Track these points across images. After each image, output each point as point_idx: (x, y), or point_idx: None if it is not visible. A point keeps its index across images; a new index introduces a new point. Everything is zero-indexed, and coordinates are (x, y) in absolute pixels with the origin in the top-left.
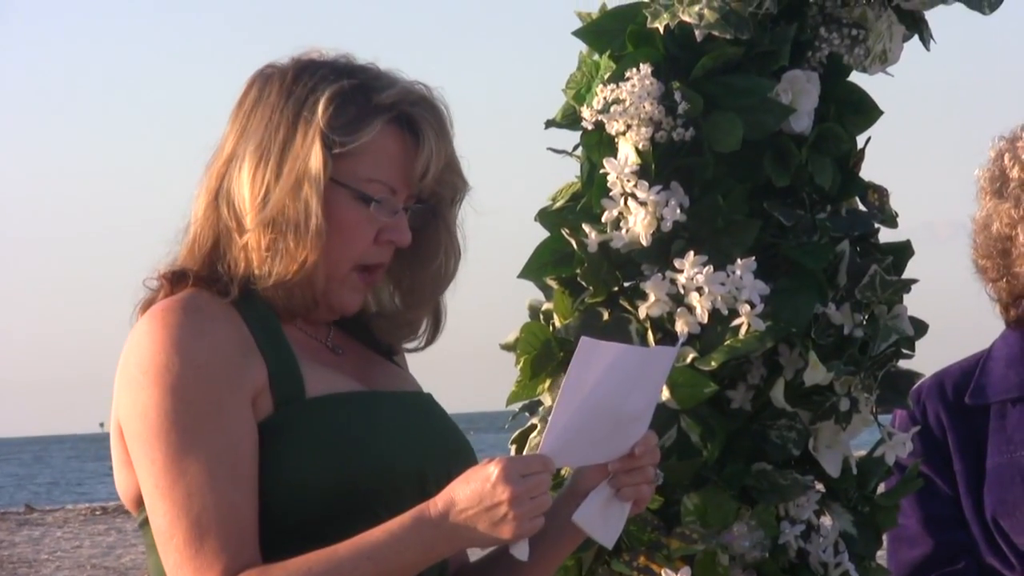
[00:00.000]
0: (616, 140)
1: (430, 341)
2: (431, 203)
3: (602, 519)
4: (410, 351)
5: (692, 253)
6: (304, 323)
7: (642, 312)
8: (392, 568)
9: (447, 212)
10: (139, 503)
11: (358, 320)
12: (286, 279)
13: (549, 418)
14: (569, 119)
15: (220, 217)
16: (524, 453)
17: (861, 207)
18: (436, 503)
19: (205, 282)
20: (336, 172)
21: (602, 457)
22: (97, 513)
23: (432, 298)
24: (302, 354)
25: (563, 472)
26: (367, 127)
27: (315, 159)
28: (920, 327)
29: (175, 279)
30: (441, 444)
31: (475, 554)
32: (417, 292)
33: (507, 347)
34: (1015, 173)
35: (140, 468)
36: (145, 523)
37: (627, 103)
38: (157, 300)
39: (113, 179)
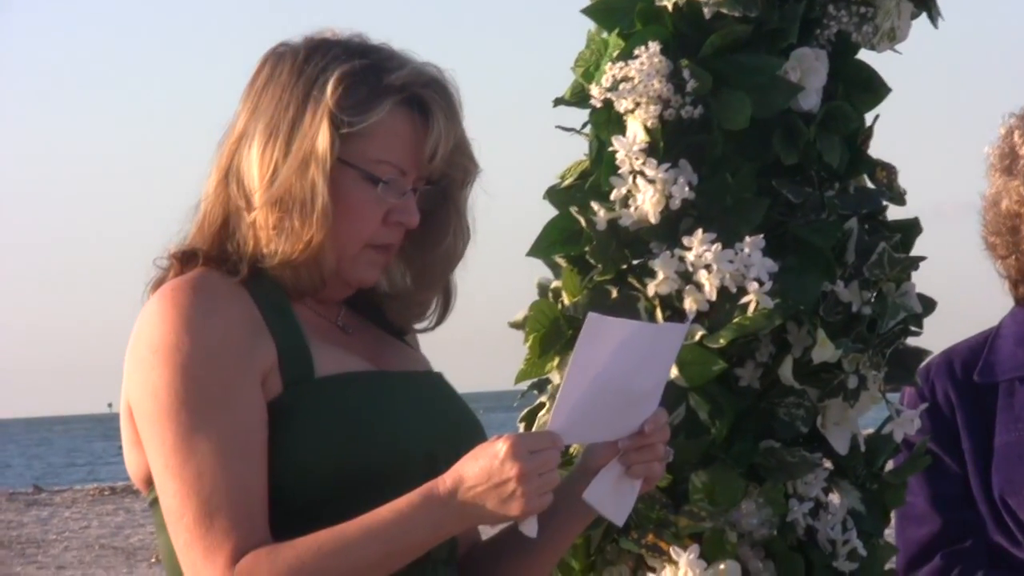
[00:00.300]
0: (625, 118)
1: (440, 321)
2: (441, 185)
3: (613, 497)
4: (420, 331)
5: (701, 231)
6: (314, 302)
7: (651, 290)
8: (401, 546)
9: (457, 194)
10: (149, 483)
11: (369, 300)
12: (292, 258)
13: (557, 395)
14: (578, 97)
15: (230, 195)
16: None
17: (869, 185)
18: (445, 480)
19: (215, 261)
20: (344, 152)
21: (612, 434)
22: (105, 493)
23: (441, 279)
24: (312, 334)
25: (572, 450)
26: (377, 108)
27: (323, 139)
28: (928, 304)
29: (185, 259)
30: (451, 423)
31: (486, 532)
32: (427, 273)
33: (516, 325)
34: (1023, 150)
35: (150, 448)
36: (155, 503)
37: (636, 81)
38: (167, 279)
39: (125, 164)
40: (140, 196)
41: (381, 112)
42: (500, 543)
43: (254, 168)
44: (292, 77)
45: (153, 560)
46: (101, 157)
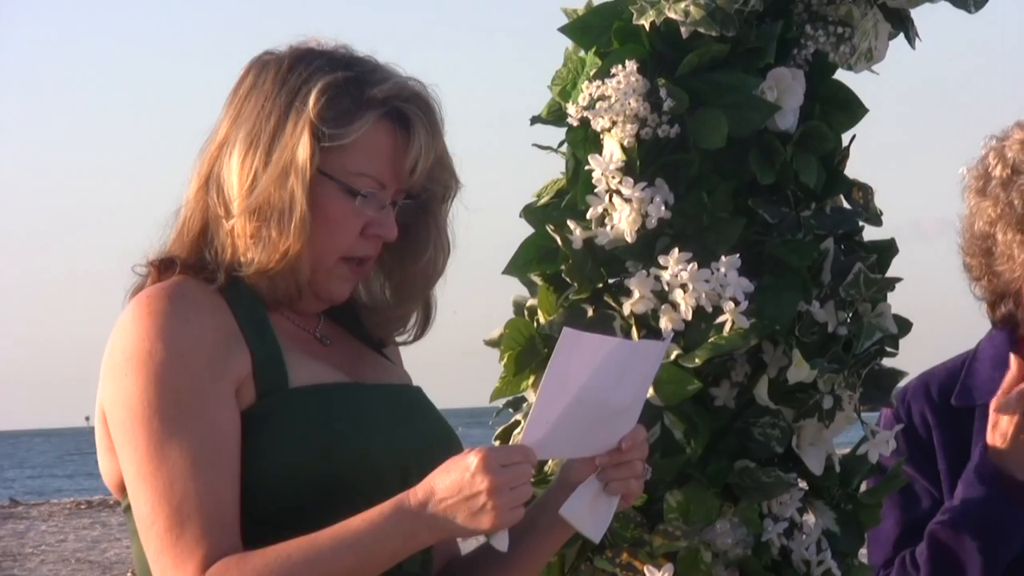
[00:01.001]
0: (601, 136)
1: (420, 335)
2: (421, 199)
3: (590, 513)
4: (400, 344)
5: (677, 250)
6: (292, 313)
7: (626, 309)
8: (372, 556)
9: (437, 209)
10: (123, 488)
11: (350, 312)
12: (268, 268)
13: (531, 409)
14: (555, 115)
15: (209, 202)
16: None
17: (846, 205)
18: (416, 492)
19: (193, 269)
20: (324, 164)
21: (588, 450)
22: (82, 507)
23: (422, 293)
24: (289, 344)
25: (548, 468)
26: (358, 121)
27: (303, 150)
28: (904, 325)
29: (163, 266)
30: (425, 436)
31: (465, 546)
32: (407, 287)
33: (491, 343)
34: (997, 171)
35: (123, 455)
36: (129, 508)
37: (612, 99)
38: (145, 287)
39: (100, 175)
40: (124, 205)
41: (363, 125)
42: (478, 558)
43: (234, 176)
44: (275, 86)
45: (128, 574)
46: (84, 166)
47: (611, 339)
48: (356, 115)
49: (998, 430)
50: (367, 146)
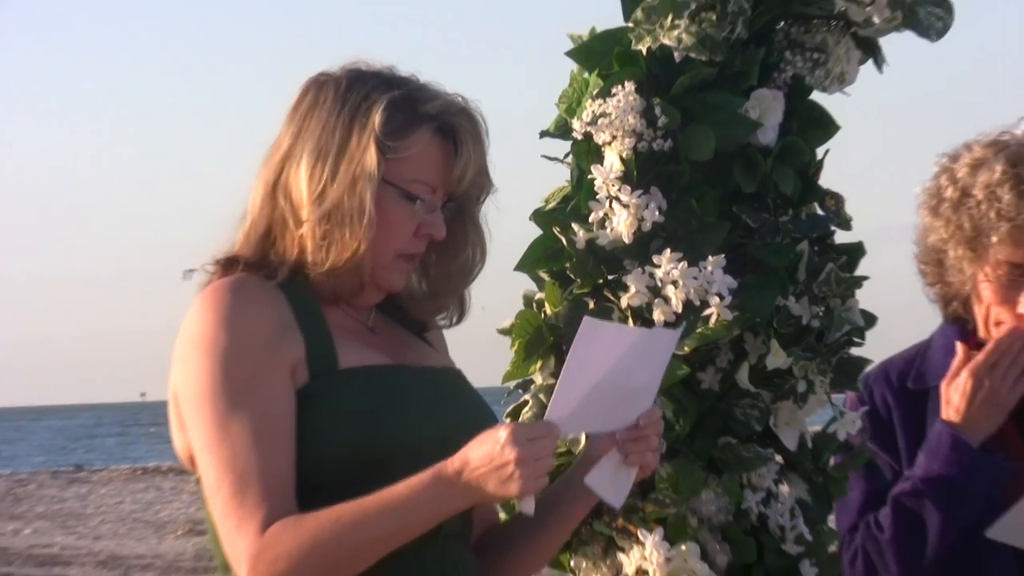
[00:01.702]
0: (603, 149)
1: (457, 322)
2: (460, 201)
3: (611, 482)
4: (441, 327)
5: (669, 250)
6: (348, 307)
7: (624, 302)
8: (412, 519)
9: (473, 209)
10: (194, 461)
11: (394, 303)
12: (339, 266)
13: (555, 389)
14: (561, 130)
15: (276, 208)
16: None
17: (819, 212)
18: (453, 462)
19: (255, 267)
20: (386, 172)
21: (607, 426)
22: (138, 473)
23: (460, 287)
24: (340, 332)
25: (568, 444)
26: (414, 135)
27: (370, 160)
28: (870, 319)
29: (228, 264)
30: (463, 413)
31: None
32: (445, 280)
33: (503, 332)
34: (948, 193)
35: (192, 430)
36: (200, 479)
37: (613, 116)
38: (211, 282)
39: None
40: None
41: (420, 138)
42: (513, 525)
43: (303, 185)
44: (337, 104)
45: (179, 532)
46: (146, 174)
47: (628, 327)
48: (412, 129)
49: (951, 406)
50: (422, 156)
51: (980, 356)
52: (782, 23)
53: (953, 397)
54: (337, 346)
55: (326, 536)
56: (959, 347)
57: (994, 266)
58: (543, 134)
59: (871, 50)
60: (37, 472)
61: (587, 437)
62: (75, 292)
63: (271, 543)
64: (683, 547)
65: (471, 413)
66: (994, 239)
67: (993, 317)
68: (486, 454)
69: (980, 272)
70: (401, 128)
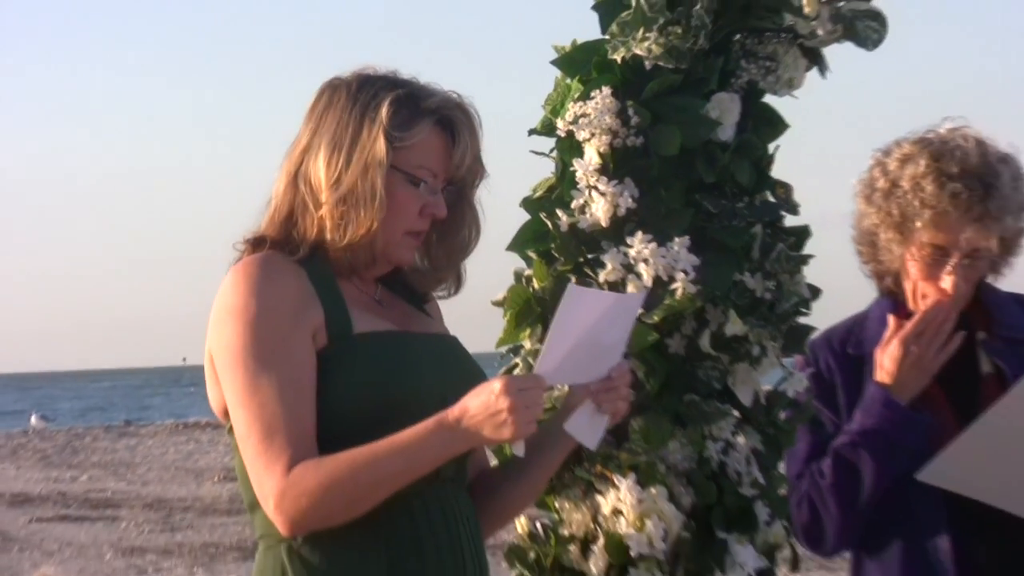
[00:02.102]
0: (583, 145)
1: (455, 293)
2: (458, 185)
3: (588, 427)
4: (439, 298)
5: (641, 233)
6: (359, 280)
7: (601, 278)
8: (417, 460)
9: (469, 192)
10: (227, 414)
11: (399, 279)
12: (355, 242)
13: (543, 346)
14: (547, 128)
15: (297, 193)
16: None
17: (771, 199)
18: (453, 411)
19: (279, 245)
20: (394, 160)
21: (585, 378)
22: (179, 428)
23: (458, 261)
24: (353, 303)
25: (555, 394)
26: (418, 126)
27: (379, 149)
28: (815, 291)
29: (256, 243)
30: (459, 373)
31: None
32: (445, 256)
33: (497, 303)
34: (880, 184)
35: (226, 387)
36: (232, 430)
37: (592, 117)
38: (242, 258)
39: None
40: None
41: (422, 130)
42: (504, 468)
43: (321, 172)
44: (349, 103)
45: (216, 479)
46: (176, 163)
47: (603, 292)
48: (416, 122)
49: (884, 369)
50: (425, 145)
51: (908, 326)
52: (738, 35)
53: (885, 362)
54: (352, 314)
55: (343, 475)
56: (890, 319)
57: (919, 247)
58: (531, 132)
59: (816, 59)
60: (92, 427)
61: (568, 389)
62: (128, 273)
63: (295, 482)
64: (653, 490)
65: (466, 372)
66: (918, 224)
67: (920, 291)
68: (483, 403)
69: (907, 252)
70: (406, 121)
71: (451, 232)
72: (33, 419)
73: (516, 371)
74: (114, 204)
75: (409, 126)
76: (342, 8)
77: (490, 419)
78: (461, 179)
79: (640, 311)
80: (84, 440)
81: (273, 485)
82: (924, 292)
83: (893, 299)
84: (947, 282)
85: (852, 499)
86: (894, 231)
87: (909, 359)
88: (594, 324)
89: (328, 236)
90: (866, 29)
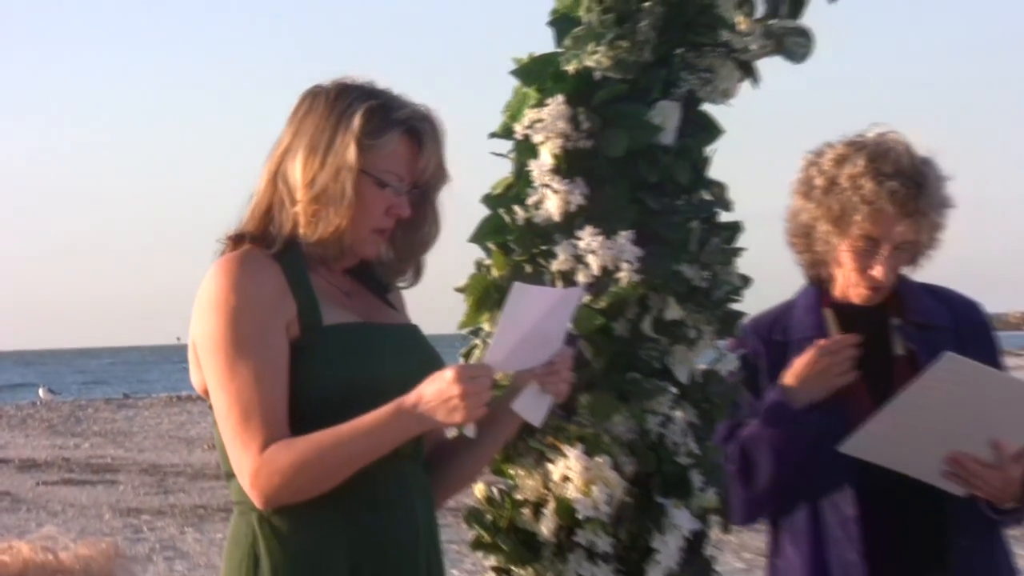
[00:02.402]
0: (538, 147)
1: (414, 283)
2: (422, 188)
3: (532, 407)
4: (401, 288)
5: (589, 227)
6: (328, 272)
7: (554, 267)
8: (377, 442)
9: (433, 195)
10: (207, 392)
11: (365, 271)
12: (325, 237)
13: (491, 339)
14: (506, 132)
15: (276, 191)
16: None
17: (707, 197)
18: (410, 397)
19: (257, 240)
20: (364, 164)
21: (530, 364)
22: (173, 400)
23: (419, 255)
24: (324, 297)
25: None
26: (388, 135)
27: (351, 155)
28: (746, 280)
29: (236, 239)
30: (419, 361)
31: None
32: (407, 250)
33: (459, 290)
34: (818, 181)
35: (206, 371)
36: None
37: (546, 122)
38: (224, 254)
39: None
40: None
41: (391, 139)
42: (457, 442)
43: (298, 173)
44: (327, 110)
45: (206, 447)
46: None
47: (545, 288)
48: (386, 131)
49: (792, 371)
50: (393, 152)
51: (827, 341)
52: (680, 49)
53: (797, 363)
54: (321, 307)
55: (311, 455)
56: (827, 313)
57: (854, 239)
58: (492, 135)
59: (748, 71)
60: (93, 399)
61: (514, 373)
62: (128, 257)
63: (269, 460)
64: (598, 459)
65: (425, 360)
66: (857, 218)
67: (853, 279)
68: (436, 390)
69: (842, 243)
70: (377, 130)
71: (414, 229)
72: (41, 392)
73: (476, 351)
74: (118, 195)
75: (379, 134)
76: (321, 18)
77: (443, 405)
78: (425, 183)
79: (585, 299)
80: (87, 411)
81: (249, 463)
82: (855, 279)
83: (819, 287)
84: (878, 270)
85: (753, 484)
86: (832, 224)
87: (817, 367)
88: (538, 317)
89: (302, 231)
90: (794, 44)
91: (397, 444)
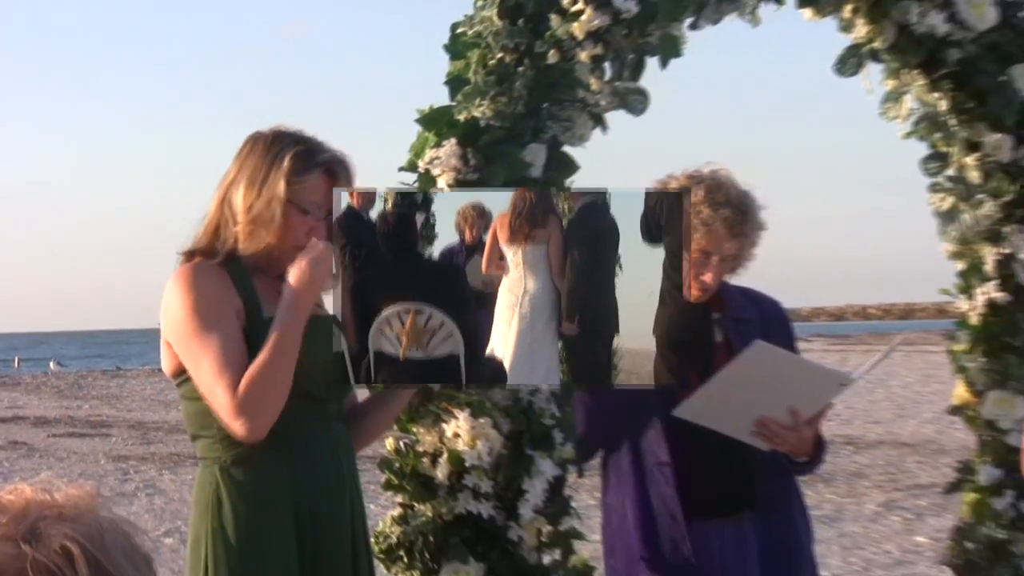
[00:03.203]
0: (437, 178)
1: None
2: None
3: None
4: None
5: None
6: (265, 278)
7: None
8: (291, 332)
9: None
10: (176, 374)
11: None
12: (258, 251)
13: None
14: (411, 166)
15: (222, 214)
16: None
17: None
18: (285, 293)
19: (206, 254)
20: (291, 195)
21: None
22: (155, 372)
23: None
24: (262, 295)
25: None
26: (310, 173)
27: (280, 189)
28: None
29: (189, 255)
30: (328, 343)
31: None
32: None
33: None
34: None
35: (183, 355)
36: (180, 384)
37: (443, 159)
38: (180, 265)
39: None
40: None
41: (313, 176)
42: (368, 403)
43: (239, 201)
44: (264, 152)
45: (180, 408)
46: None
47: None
48: (309, 171)
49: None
50: (314, 187)
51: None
52: (546, 104)
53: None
54: (261, 303)
55: (262, 366)
56: None
57: (693, 252)
58: (400, 169)
59: (599, 120)
60: (92, 371)
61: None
62: (121, 255)
63: (240, 392)
64: (482, 420)
65: (332, 341)
66: (696, 236)
67: (688, 282)
68: (295, 275)
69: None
70: (302, 170)
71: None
72: (52, 364)
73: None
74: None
75: (304, 173)
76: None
77: (300, 278)
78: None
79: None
80: (87, 380)
81: (228, 399)
82: (689, 284)
83: None
84: (709, 277)
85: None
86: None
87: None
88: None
89: (241, 245)
90: (634, 101)
91: (302, 326)
